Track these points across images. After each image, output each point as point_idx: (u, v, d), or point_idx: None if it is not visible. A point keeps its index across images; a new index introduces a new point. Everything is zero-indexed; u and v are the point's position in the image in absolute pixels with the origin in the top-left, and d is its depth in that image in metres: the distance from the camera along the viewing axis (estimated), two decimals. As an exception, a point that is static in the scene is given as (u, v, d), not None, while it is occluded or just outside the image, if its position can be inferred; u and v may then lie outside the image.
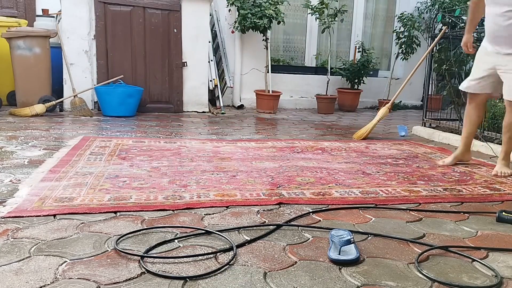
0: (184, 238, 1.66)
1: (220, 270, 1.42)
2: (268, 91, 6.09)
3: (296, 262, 1.52)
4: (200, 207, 2.01)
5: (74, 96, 4.81)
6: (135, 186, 2.29)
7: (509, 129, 2.84)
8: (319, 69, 7.05)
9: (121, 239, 1.62)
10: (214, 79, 5.75)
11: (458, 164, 3.18)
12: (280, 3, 5.86)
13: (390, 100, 4.64)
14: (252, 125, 4.90)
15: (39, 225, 1.72)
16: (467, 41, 3.11)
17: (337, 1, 6.58)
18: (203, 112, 5.57)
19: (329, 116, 6.08)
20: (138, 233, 1.69)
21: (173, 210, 1.95)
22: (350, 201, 2.22)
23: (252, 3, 5.72)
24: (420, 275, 1.46)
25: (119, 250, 1.52)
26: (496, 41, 2.81)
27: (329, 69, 6.53)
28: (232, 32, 6.23)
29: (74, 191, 2.15)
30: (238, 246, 1.61)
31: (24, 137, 3.41)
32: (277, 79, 6.54)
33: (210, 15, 5.82)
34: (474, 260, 1.59)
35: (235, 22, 5.97)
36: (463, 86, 3.08)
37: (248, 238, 1.69)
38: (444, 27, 4.44)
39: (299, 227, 1.84)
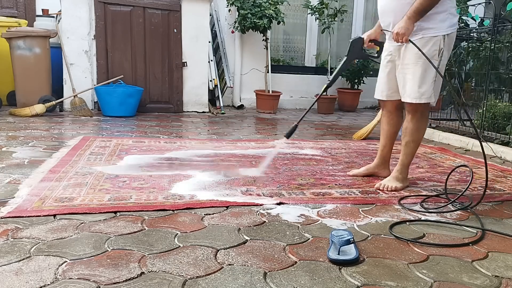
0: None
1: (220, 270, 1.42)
2: (268, 91, 6.10)
3: (296, 262, 1.52)
4: (200, 207, 2.01)
5: (74, 96, 4.81)
6: (135, 186, 2.29)
7: (405, 134, 2.47)
8: (319, 69, 7.05)
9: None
10: (214, 79, 5.75)
11: (458, 164, 3.18)
12: (280, 3, 5.86)
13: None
14: (252, 125, 4.90)
15: (39, 225, 1.72)
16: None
17: (337, 1, 6.58)
18: (203, 112, 5.57)
19: (329, 116, 6.08)
20: (139, 233, 1.69)
21: (173, 210, 1.95)
22: (350, 201, 2.22)
23: (252, 3, 5.72)
24: (420, 275, 1.46)
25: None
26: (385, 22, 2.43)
27: (329, 69, 6.53)
28: (232, 32, 6.23)
29: (74, 191, 2.14)
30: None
31: (24, 137, 3.40)
32: (277, 79, 6.54)
33: (210, 15, 5.82)
34: (474, 260, 1.59)
35: (235, 22, 5.97)
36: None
37: (248, 238, 1.69)
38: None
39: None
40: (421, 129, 2.47)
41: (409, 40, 2.23)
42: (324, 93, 2.57)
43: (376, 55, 2.58)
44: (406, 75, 2.35)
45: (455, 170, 2.95)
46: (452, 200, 2.21)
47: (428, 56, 2.22)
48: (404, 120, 2.50)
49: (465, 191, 2.19)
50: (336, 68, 2.52)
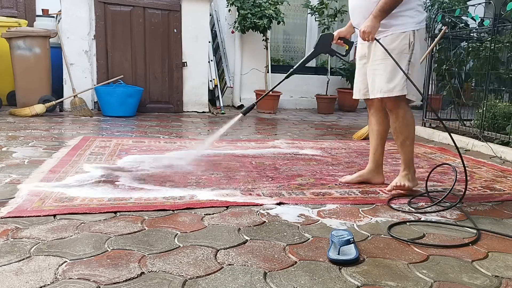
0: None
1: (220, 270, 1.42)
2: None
3: (296, 262, 1.52)
4: (200, 207, 2.01)
5: (74, 96, 4.81)
6: (135, 186, 2.28)
7: (397, 135, 2.39)
8: (319, 69, 7.05)
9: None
10: (214, 79, 5.75)
11: (458, 164, 3.17)
12: (280, 3, 5.86)
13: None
14: (252, 125, 4.90)
15: (39, 225, 1.72)
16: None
17: (337, 1, 6.58)
18: (203, 112, 5.57)
19: (329, 116, 6.08)
20: (139, 233, 1.69)
21: (173, 210, 1.95)
22: (350, 201, 2.22)
23: (252, 3, 5.72)
24: (420, 275, 1.46)
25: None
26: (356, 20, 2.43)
27: (329, 69, 6.53)
28: (232, 32, 6.23)
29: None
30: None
31: (24, 137, 3.40)
32: (277, 79, 6.51)
33: (210, 15, 5.82)
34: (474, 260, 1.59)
35: (235, 22, 5.97)
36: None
37: (248, 238, 1.69)
38: (444, 27, 4.44)
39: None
40: (410, 124, 2.38)
41: (375, 39, 2.25)
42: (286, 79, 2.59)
43: (344, 53, 2.59)
44: (376, 71, 2.33)
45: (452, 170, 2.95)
46: (439, 200, 2.21)
47: (399, 50, 2.26)
48: (390, 122, 2.43)
49: (450, 191, 2.20)
50: (302, 59, 2.57)
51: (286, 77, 2.53)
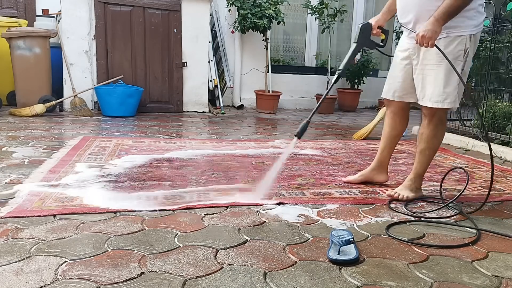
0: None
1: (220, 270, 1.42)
2: (268, 91, 6.10)
3: (296, 262, 1.52)
4: (200, 207, 2.01)
5: (74, 96, 4.81)
6: (135, 186, 2.29)
7: (421, 141, 2.26)
8: (319, 69, 7.05)
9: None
10: (214, 79, 5.75)
11: (459, 164, 3.17)
12: (280, 3, 5.86)
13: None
14: (252, 125, 4.90)
15: (39, 225, 1.72)
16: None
17: (337, 1, 6.58)
18: (203, 112, 5.57)
19: (329, 116, 6.08)
20: (139, 233, 1.69)
21: (173, 210, 1.95)
22: (350, 201, 2.22)
23: (252, 3, 5.72)
24: (420, 275, 1.46)
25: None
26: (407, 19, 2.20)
27: (329, 69, 6.53)
28: (232, 32, 6.24)
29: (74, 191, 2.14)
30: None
31: (24, 137, 3.40)
32: (277, 79, 6.55)
33: (210, 15, 5.82)
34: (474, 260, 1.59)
35: (235, 22, 5.98)
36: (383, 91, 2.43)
37: (248, 238, 1.69)
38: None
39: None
40: (439, 136, 2.25)
41: (435, 45, 2.01)
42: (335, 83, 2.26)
43: (381, 43, 2.39)
44: (427, 77, 2.15)
45: (453, 171, 2.95)
46: (445, 204, 2.18)
47: (453, 56, 2.06)
48: (420, 125, 2.31)
49: (458, 196, 2.18)
50: (345, 56, 2.27)
51: (335, 82, 2.26)
